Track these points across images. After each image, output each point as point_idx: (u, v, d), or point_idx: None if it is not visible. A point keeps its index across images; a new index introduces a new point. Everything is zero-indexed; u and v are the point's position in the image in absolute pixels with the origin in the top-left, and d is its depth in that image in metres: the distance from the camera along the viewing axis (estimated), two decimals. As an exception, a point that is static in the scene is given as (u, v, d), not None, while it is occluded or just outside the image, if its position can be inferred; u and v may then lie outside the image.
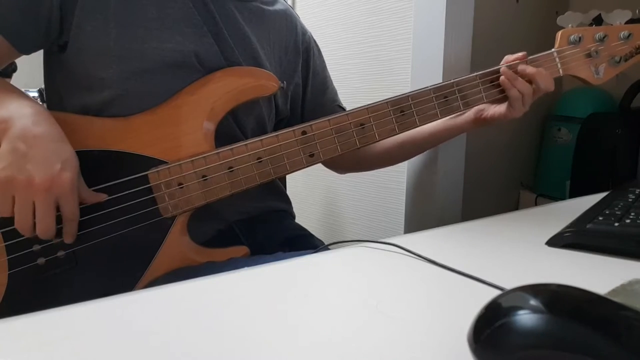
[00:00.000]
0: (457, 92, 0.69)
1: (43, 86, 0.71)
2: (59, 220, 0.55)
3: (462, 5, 1.06)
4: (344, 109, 0.87)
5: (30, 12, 0.60)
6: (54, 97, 0.67)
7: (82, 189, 0.57)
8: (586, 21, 0.74)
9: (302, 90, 0.82)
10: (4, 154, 0.53)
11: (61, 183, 0.53)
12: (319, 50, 0.85)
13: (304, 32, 0.81)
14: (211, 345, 0.33)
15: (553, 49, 0.73)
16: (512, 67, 0.71)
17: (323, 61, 0.86)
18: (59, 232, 0.57)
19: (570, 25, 0.73)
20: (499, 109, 0.73)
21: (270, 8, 0.76)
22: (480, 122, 0.76)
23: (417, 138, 0.80)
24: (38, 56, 0.68)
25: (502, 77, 0.70)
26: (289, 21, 0.78)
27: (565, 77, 0.75)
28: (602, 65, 0.74)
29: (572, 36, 0.73)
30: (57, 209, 0.55)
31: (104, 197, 0.58)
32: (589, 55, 0.73)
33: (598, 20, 0.74)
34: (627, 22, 0.74)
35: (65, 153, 0.55)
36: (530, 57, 0.72)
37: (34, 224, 0.54)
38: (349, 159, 0.85)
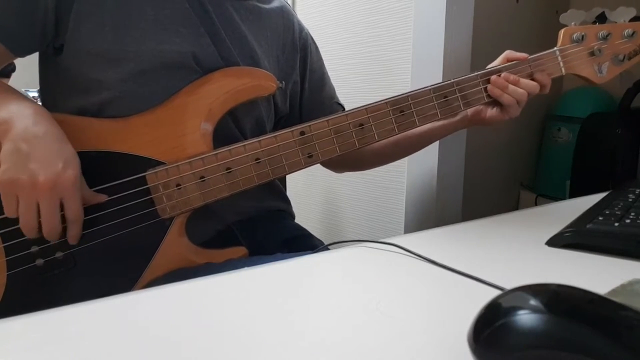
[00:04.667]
0: (457, 91, 0.68)
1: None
2: (63, 220, 0.55)
3: (462, 5, 1.06)
4: (342, 106, 0.87)
5: (25, 15, 0.59)
6: (49, 100, 0.67)
7: (83, 190, 0.57)
8: (589, 19, 0.73)
9: (300, 88, 0.82)
10: (6, 155, 0.53)
11: (65, 182, 0.53)
12: (316, 47, 0.85)
13: (301, 29, 0.81)
14: (211, 345, 0.33)
15: (555, 48, 0.72)
16: (507, 70, 0.70)
17: (320, 58, 0.86)
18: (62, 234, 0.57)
19: (573, 23, 0.73)
20: (496, 110, 0.72)
21: (267, 6, 0.76)
22: (477, 121, 0.75)
23: (412, 136, 0.80)
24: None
25: (489, 86, 0.69)
26: (285, 19, 0.78)
27: (565, 77, 0.74)
28: (605, 64, 0.73)
29: (575, 34, 0.72)
30: (61, 209, 0.55)
31: (104, 198, 0.58)
32: (592, 54, 0.73)
33: (601, 18, 0.73)
34: (631, 20, 0.73)
35: (67, 152, 0.55)
36: (532, 55, 0.71)
37: (39, 224, 0.54)
38: (346, 159, 0.84)
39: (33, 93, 1.74)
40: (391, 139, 0.75)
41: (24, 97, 0.60)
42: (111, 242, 0.59)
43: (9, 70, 1.60)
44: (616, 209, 0.58)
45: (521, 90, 0.69)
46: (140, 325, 0.37)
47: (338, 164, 0.92)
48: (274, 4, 0.77)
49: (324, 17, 1.36)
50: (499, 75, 0.69)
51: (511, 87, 0.68)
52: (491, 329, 0.27)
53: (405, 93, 0.66)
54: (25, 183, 0.52)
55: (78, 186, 0.55)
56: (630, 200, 0.62)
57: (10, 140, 0.53)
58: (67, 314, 0.39)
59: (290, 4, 1.43)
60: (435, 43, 1.05)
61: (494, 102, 0.71)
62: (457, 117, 0.76)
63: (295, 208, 0.84)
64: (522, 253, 0.52)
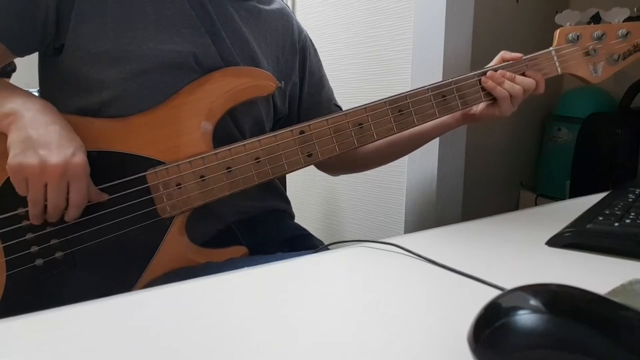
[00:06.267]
0: (455, 91, 0.68)
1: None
2: None
3: (462, 5, 1.06)
4: (340, 108, 0.87)
5: (26, 15, 0.60)
6: (48, 100, 0.66)
7: (89, 185, 0.57)
8: (584, 19, 0.73)
9: (299, 90, 0.82)
10: (16, 141, 0.54)
11: (75, 166, 0.54)
12: (314, 49, 0.85)
13: (300, 31, 0.81)
14: (211, 345, 0.33)
15: (551, 48, 0.73)
16: (505, 69, 0.70)
17: (319, 60, 0.86)
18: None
19: (568, 24, 0.73)
20: (487, 105, 0.72)
21: (267, 7, 0.76)
22: (468, 118, 0.75)
23: (405, 137, 0.79)
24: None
25: (484, 78, 0.69)
26: (285, 20, 0.78)
27: (565, 77, 0.75)
28: (600, 64, 0.74)
29: (571, 34, 0.73)
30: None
31: (106, 196, 0.58)
32: (587, 54, 0.73)
33: (596, 19, 0.74)
34: (625, 20, 0.73)
35: (75, 140, 0.56)
36: (528, 55, 0.71)
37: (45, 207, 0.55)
38: (342, 160, 0.84)
39: (33, 92, 1.73)
40: (386, 140, 0.75)
41: (29, 93, 0.61)
42: (111, 242, 0.59)
43: (9, 70, 1.59)
44: (616, 209, 0.58)
45: (518, 86, 0.68)
46: (140, 325, 0.37)
47: (334, 166, 0.91)
48: (274, 5, 0.78)
49: (324, 17, 1.36)
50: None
51: (507, 82, 0.68)
52: (491, 329, 0.27)
53: (404, 92, 0.66)
54: (36, 167, 0.52)
55: (87, 171, 0.55)
56: (630, 200, 0.62)
57: (19, 129, 0.54)
58: (67, 314, 0.39)
59: (290, 4, 1.44)
60: (435, 43, 1.05)
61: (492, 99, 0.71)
62: (449, 115, 0.76)
63: (295, 208, 0.84)
64: (522, 253, 0.51)
